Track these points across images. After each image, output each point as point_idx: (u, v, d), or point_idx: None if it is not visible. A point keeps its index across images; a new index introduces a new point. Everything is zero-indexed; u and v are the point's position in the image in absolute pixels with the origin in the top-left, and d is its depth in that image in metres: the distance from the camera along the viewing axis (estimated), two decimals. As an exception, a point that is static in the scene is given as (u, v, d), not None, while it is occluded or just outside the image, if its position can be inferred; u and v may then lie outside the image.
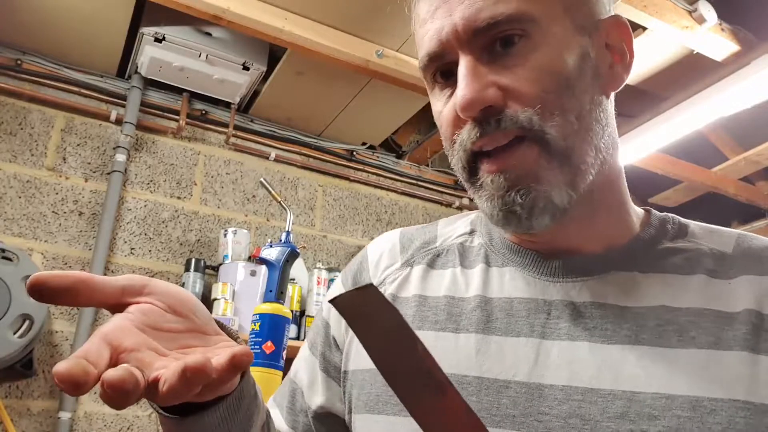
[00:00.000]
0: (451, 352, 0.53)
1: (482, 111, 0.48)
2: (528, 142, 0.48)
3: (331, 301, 0.40)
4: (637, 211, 0.58)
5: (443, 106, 0.53)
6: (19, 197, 2.17)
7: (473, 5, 0.49)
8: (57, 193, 2.24)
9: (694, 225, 0.57)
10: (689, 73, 2.21)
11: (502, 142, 0.49)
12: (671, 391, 0.46)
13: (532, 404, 0.48)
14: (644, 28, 1.98)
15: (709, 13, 1.89)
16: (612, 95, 0.55)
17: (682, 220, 0.58)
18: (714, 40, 1.98)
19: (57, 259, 2.18)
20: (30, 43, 2.24)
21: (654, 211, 0.59)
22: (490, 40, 0.49)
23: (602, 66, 0.53)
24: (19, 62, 2.24)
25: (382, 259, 0.64)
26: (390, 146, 3.01)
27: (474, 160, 0.51)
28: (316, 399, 0.64)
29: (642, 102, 2.43)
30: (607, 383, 0.47)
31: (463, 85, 0.48)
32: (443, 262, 0.61)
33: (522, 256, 0.57)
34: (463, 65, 0.49)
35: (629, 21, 1.91)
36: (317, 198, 2.75)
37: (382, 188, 2.92)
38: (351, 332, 0.61)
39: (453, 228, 0.65)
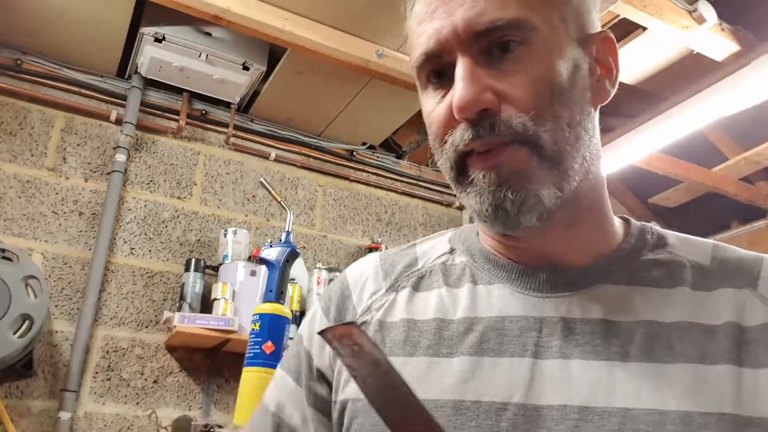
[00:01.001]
0: (447, 378, 0.53)
1: (478, 113, 0.49)
2: (519, 143, 0.49)
3: (320, 333, 0.41)
4: (617, 222, 0.59)
5: (435, 106, 0.53)
6: (19, 197, 2.17)
7: (474, 8, 0.49)
8: (57, 193, 2.24)
9: (671, 235, 0.58)
10: (689, 73, 2.21)
11: (494, 144, 0.49)
12: (663, 407, 0.46)
13: (531, 426, 0.48)
14: (644, 28, 1.98)
15: (709, 13, 1.89)
16: (597, 109, 0.55)
17: (660, 230, 0.59)
18: (714, 40, 1.99)
19: (57, 259, 2.18)
20: (30, 43, 2.24)
21: (633, 221, 0.59)
22: (489, 44, 0.49)
23: (592, 79, 0.54)
24: (19, 62, 2.25)
25: (367, 286, 0.63)
26: (390, 146, 3.01)
27: (463, 159, 0.51)
28: None
29: (642, 102, 2.43)
30: (601, 401, 0.48)
31: (461, 87, 0.48)
32: (428, 284, 0.60)
33: (507, 270, 0.56)
34: (462, 67, 0.49)
35: (629, 21, 1.90)
36: (317, 198, 2.75)
37: (382, 188, 2.92)
38: (339, 362, 0.60)
39: (432, 248, 0.64)
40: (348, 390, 0.58)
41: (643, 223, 0.60)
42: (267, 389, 0.65)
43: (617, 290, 0.53)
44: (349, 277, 0.66)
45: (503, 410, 0.49)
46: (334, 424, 0.59)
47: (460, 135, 0.50)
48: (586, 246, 0.55)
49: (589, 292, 0.53)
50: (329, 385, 0.61)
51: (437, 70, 0.52)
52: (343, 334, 0.41)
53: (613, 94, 0.56)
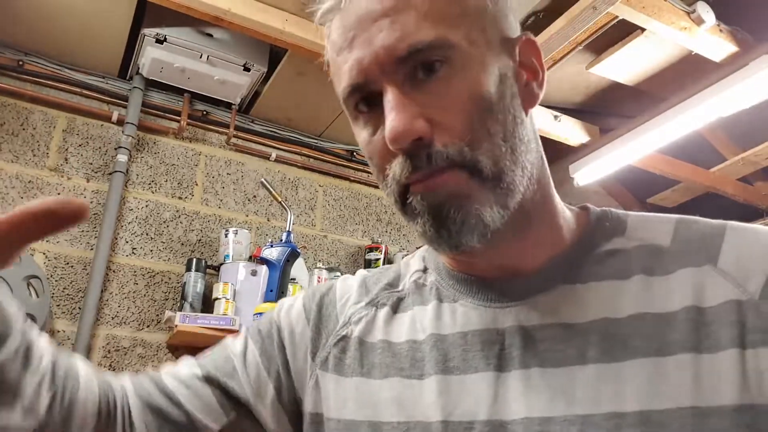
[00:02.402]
0: (418, 399, 0.53)
1: (412, 143, 0.48)
2: (458, 168, 0.48)
3: None
4: (569, 216, 0.57)
5: (369, 137, 0.52)
6: (21, 197, 2.18)
7: (393, 34, 0.48)
8: (59, 194, 2.25)
9: (633, 217, 0.57)
10: (688, 74, 2.22)
11: (434, 171, 0.49)
12: (621, 409, 0.46)
13: None
14: (643, 29, 1.99)
15: (707, 14, 1.89)
16: (531, 112, 0.55)
17: (621, 213, 0.57)
18: (712, 41, 1.99)
19: (59, 259, 2.19)
20: (32, 43, 2.25)
21: (592, 209, 0.58)
22: (413, 68, 0.49)
23: (519, 85, 0.53)
24: (21, 63, 2.25)
25: (351, 296, 0.64)
26: (390, 147, 3.02)
27: (406, 190, 0.51)
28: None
29: (640, 102, 2.44)
30: (560, 409, 0.47)
31: (392, 117, 0.48)
32: (405, 305, 0.61)
33: (468, 284, 0.57)
34: (390, 96, 0.49)
35: (628, 22, 1.91)
36: (318, 198, 2.76)
37: (382, 188, 2.93)
38: (317, 374, 0.61)
39: (410, 266, 0.65)
40: (335, 409, 0.58)
41: (603, 209, 0.58)
42: (230, 340, 0.67)
43: (572, 290, 0.52)
44: (338, 287, 0.67)
45: (470, 428, 0.50)
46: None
47: (400, 168, 0.49)
48: (539, 249, 0.55)
49: (544, 297, 0.53)
50: (291, 379, 0.62)
51: (366, 98, 0.51)
52: None
53: (542, 97, 0.55)
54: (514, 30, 0.55)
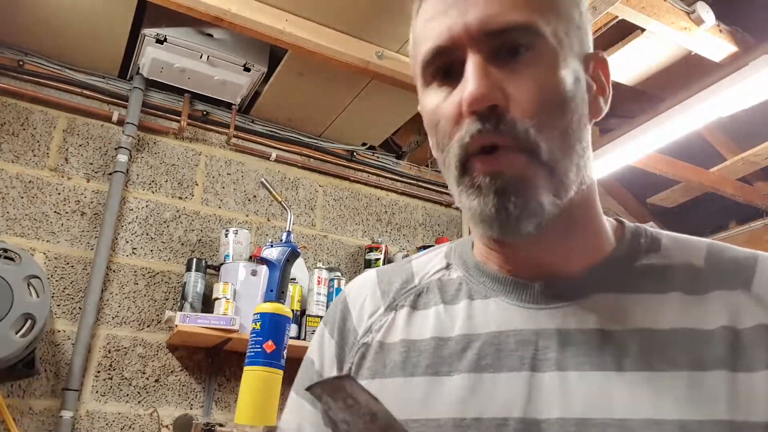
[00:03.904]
0: (447, 396, 0.53)
1: (487, 108, 0.49)
2: (518, 150, 0.50)
3: (308, 389, 0.41)
4: (608, 226, 0.59)
5: (441, 101, 0.53)
6: (22, 197, 2.18)
7: (488, 9, 0.50)
8: (59, 194, 2.25)
9: (666, 237, 0.58)
10: (687, 74, 2.22)
11: (497, 143, 0.50)
12: (659, 416, 0.47)
13: None
14: (643, 30, 1.99)
15: (707, 14, 1.90)
16: (591, 124, 0.57)
17: (654, 232, 0.59)
18: (712, 42, 2.00)
19: (59, 259, 2.19)
20: (32, 44, 2.25)
21: (627, 224, 0.60)
22: (500, 46, 0.50)
23: (589, 94, 0.55)
24: (21, 63, 2.26)
25: (366, 306, 0.64)
26: (390, 147, 3.02)
27: (466, 160, 0.51)
28: None
29: (640, 102, 2.44)
30: (598, 412, 0.48)
31: (474, 80, 0.49)
32: (425, 302, 0.61)
33: (502, 283, 0.57)
34: (474, 62, 0.50)
35: (628, 22, 1.90)
36: (318, 198, 2.77)
37: (382, 188, 2.93)
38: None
39: (428, 264, 0.65)
40: None
41: (637, 224, 0.60)
42: (283, 415, 0.66)
43: (611, 299, 0.53)
44: (348, 296, 0.67)
45: (504, 425, 0.50)
46: None
47: (467, 128, 0.50)
48: (579, 255, 0.55)
49: (583, 302, 0.53)
50: None
51: (445, 67, 0.52)
52: (336, 387, 0.40)
53: (605, 113, 0.57)
54: (590, 46, 0.58)
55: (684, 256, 0.55)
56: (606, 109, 0.57)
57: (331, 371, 0.63)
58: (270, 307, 1.59)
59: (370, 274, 0.68)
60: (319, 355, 0.65)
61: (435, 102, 0.53)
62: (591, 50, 0.57)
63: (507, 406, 0.51)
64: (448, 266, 0.63)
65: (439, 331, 0.57)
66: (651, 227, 0.60)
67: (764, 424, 0.46)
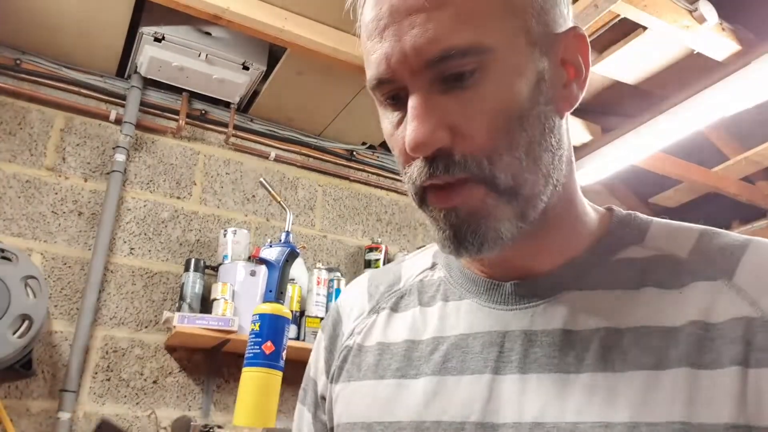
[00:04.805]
0: (412, 399, 0.54)
1: (433, 151, 0.47)
2: (475, 182, 0.48)
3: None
4: (593, 218, 0.56)
5: (393, 129, 0.51)
6: (19, 197, 2.17)
7: (425, 34, 0.46)
8: (56, 193, 2.23)
9: (655, 225, 0.55)
10: (690, 72, 2.21)
11: (450, 181, 0.48)
12: (610, 419, 0.45)
13: None
14: (644, 28, 1.97)
15: (709, 12, 1.88)
16: (566, 114, 0.53)
17: (644, 220, 0.56)
18: (715, 40, 1.98)
19: (56, 259, 2.18)
20: (29, 43, 2.24)
21: (617, 212, 0.57)
22: (441, 72, 0.47)
23: (557, 86, 0.51)
24: (18, 62, 2.24)
25: (354, 309, 0.65)
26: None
27: (423, 191, 0.50)
28: None
29: (642, 102, 2.42)
30: (551, 416, 0.47)
31: (413, 126, 0.46)
32: (405, 304, 0.61)
33: (477, 284, 0.56)
34: (414, 102, 0.47)
35: (629, 21, 1.88)
36: (317, 198, 2.75)
37: (382, 188, 2.92)
38: (330, 390, 0.63)
39: (415, 265, 0.64)
40: (338, 416, 0.60)
41: (628, 213, 0.57)
42: (294, 424, 0.70)
43: (581, 296, 0.51)
44: (340, 303, 0.68)
45: (461, 429, 0.50)
46: None
47: (417, 172, 0.49)
48: (555, 251, 0.54)
49: (553, 301, 0.52)
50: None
51: (391, 94, 0.50)
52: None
53: (581, 97, 0.52)
54: (564, 21, 0.52)
55: (669, 246, 0.52)
56: (581, 93, 0.52)
57: (321, 377, 0.65)
58: (269, 308, 1.57)
59: (363, 277, 0.69)
60: (315, 361, 0.67)
61: (387, 128, 0.52)
62: (564, 27, 0.51)
63: (466, 409, 0.51)
64: (433, 266, 0.63)
65: (413, 334, 0.58)
66: (643, 215, 0.57)
67: (724, 425, 0.42)
